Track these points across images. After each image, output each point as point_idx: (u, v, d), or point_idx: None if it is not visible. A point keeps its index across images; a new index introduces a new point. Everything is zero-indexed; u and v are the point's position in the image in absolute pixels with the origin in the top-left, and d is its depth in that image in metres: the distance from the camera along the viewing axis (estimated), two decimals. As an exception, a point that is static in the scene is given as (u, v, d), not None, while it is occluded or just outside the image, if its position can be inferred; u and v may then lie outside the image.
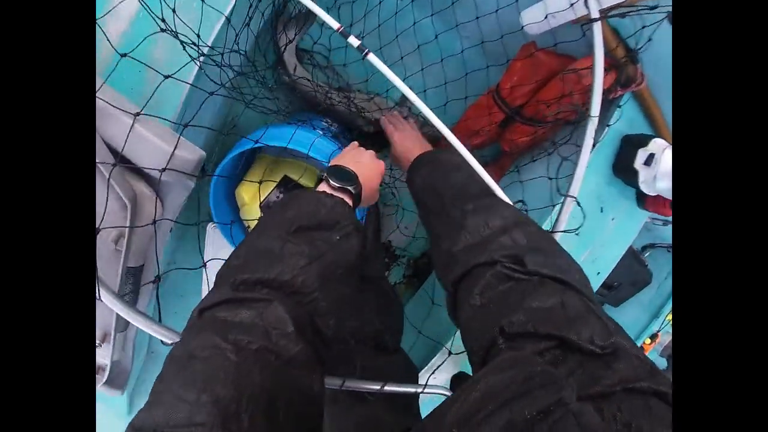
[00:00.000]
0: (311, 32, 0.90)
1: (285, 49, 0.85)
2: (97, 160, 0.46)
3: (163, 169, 0.49)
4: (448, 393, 0.66)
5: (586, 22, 0.67)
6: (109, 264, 0.55)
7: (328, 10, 0.58)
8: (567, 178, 0.66)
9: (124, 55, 0.53)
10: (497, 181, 0.59)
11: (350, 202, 0.52)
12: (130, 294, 0.63)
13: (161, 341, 0.50)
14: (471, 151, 0.60)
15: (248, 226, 0.87)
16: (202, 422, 0.28)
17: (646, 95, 0.75)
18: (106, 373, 0.65)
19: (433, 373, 0.72)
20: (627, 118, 0.75)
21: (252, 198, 0.82)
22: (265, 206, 0.82)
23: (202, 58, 0.64)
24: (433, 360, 0.82)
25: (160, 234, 0.61)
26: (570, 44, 0.73)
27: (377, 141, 1.04)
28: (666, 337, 1.14)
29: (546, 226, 0.66)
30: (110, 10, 0.61)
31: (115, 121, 0.49)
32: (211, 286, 0.43)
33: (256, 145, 0.72)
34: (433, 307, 0.80)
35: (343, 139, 0.90)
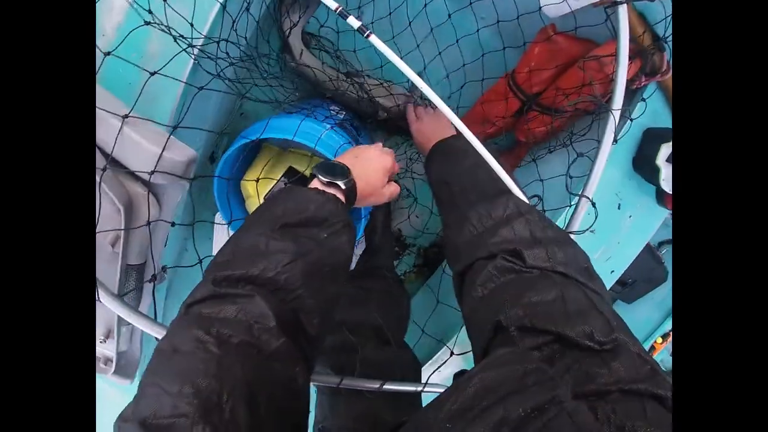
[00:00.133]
0: (317, 15, 0.86)
1: (290, 33, 0.82)
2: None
3: (152, 172, 0.48)
4: (449, 393, 0.65)
5: (610, 5, 0.61)
6: (107, 266, 0.55)
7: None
8: (582, 177, 0.62)
9: (108, 54, 0.51)
10: (512, 171, 0.57)
11: (343, 198, 0.50)
12: (134, 291, 0.64)
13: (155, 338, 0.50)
14: (484, 140, 0.57)
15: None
16: (185, 413, 0.29)
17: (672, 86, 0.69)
18: (114, 364, 0.67)
19: (438, 368, 0.72)
20: (651, 110, 0.70)
21: (256, 190, 0.81)
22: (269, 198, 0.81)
23: (196, 50, 0.62)
24: (437, 355, 0.81)
25: (158, 233, 0.61)
26: (592, 29, 0.68)
27: (389, 127, 1.01)
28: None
29: (559, 224, 0.63)
30: None
31: (102, 123, 0.48)
32: None
33: (260, 137, 0.71)
34: (438, 305, 0.78)
35: (349, 126, 0.87)
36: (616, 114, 0.60)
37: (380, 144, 0.63)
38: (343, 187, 0.49)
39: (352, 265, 1.01)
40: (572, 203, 0.63)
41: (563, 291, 0.40)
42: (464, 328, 0.52)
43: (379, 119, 0.91)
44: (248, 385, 0.32)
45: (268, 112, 0.93)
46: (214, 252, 0.44)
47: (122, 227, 0.53)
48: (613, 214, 0.76)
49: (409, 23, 0.86)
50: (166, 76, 0.52)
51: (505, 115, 0.84)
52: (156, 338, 0.50)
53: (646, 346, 1.06)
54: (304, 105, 0.85)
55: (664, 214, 0.77)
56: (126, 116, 0.47)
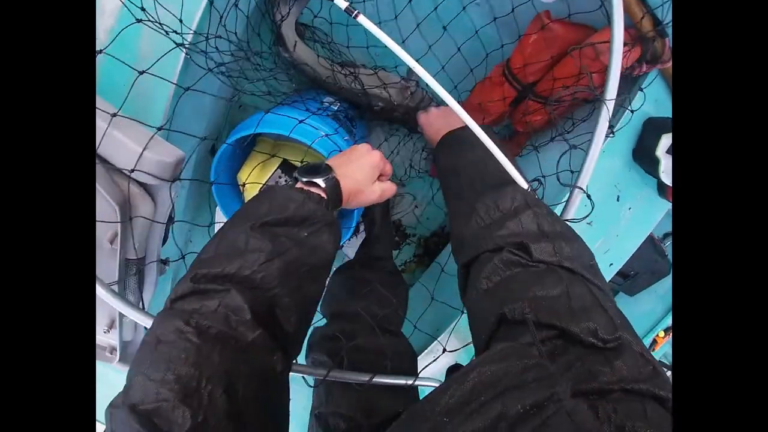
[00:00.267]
0: (311, 6, 0.85)
1: (281, 24, 0.81)
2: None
3: (132, 170, 0.49)
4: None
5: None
6: (106, 262, 0.57)
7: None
8: (577, 167, 0.60)
9: (100, 51, 0.52)
10: (513, 159, 0.56)
11: (325, 196, 0.50)
12: (135, 284, 0.66)
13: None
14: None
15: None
16: (166, 398, 0.31)
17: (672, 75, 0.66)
18: (118, 352, 0.70)
19: (430, 364, 0.72)
20: (652, 99, 0.67)
21: (251, 182, 0.82)
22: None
23: (187, 46, 0.62)
24: (431, 346, 0.82)
25: (155, 229, 0.63)
26: (591, 15, 0.65)
27: (386, 118, 1.00)
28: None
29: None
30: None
31: (92, 126, 0.49)
32: None
33: (255, 132, 0.71)
34: (432, 301, 0.78)
35: (343, 117, 0.87)
36: (610, 105, 0.58)
37: (369, 145, 0.62)
38: (323, 185, 0.49)
39: (352, 255, 1.02)
40: (566, 196, 0.62)
41: (569, 287, 0.40)
42: (456, 324, 0.53)
43: (375, 109, 0.90)
44: (226, 373, 0.34)
45: (266, 104, 0.93)
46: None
47: (119, 226, 0.55)
48: (612, 206, 0.75)
49: (395, 16, 0.84)
50: (155, 75, 0.53)
51: (501, 105, 0.82)
52: (145, 327, 0.52)
53: (648, 340, 1.04)
54: (297, 97, 0.85)
55: (666, 206, 0.75)
56: (114, 114, 0.48)
